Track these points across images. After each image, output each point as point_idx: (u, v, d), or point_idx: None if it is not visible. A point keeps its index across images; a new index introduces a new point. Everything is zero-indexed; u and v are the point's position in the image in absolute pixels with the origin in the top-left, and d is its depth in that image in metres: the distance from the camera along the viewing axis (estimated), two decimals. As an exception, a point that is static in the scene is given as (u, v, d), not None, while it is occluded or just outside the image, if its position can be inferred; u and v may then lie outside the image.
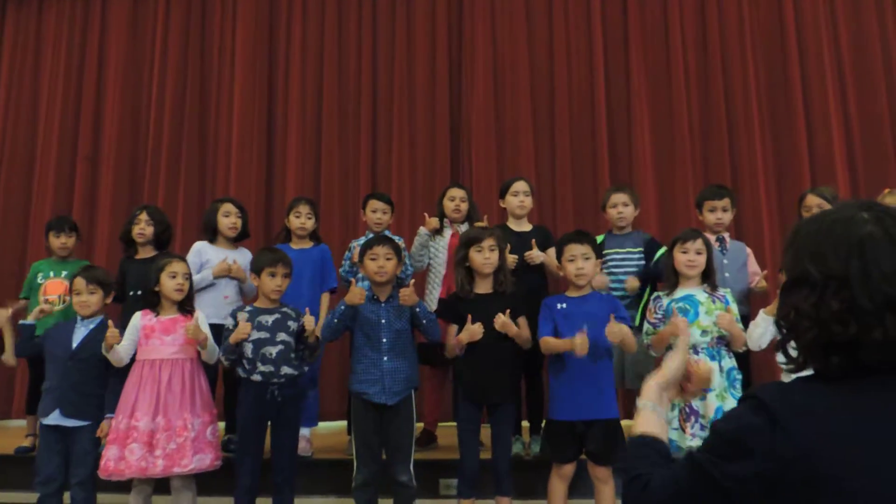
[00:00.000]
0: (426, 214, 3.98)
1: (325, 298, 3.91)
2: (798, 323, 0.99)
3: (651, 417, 1.20)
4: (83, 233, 4.57)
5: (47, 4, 6.19)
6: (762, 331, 2.94)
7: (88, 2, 6.11)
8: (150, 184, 5.69)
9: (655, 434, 1.16)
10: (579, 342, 2.81)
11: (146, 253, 3.90)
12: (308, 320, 3.18)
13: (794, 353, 1.03)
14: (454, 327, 3.16)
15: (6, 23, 6.23)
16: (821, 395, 0.95)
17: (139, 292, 3.69)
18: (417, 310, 3.14)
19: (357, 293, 3.07)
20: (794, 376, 1.02)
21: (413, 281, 3.58)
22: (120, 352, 3.16)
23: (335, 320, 3.12)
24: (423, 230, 3.95)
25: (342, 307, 3.12)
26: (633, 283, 3.58)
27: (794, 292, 1.00)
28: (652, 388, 1.25)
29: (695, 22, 5.35)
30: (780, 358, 1.10)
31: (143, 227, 3.89)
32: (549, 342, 3.00)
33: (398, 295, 3.14)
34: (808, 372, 1.01)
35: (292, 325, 3.22)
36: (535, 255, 3.60)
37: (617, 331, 2.84)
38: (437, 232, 3.93)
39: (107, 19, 6.06)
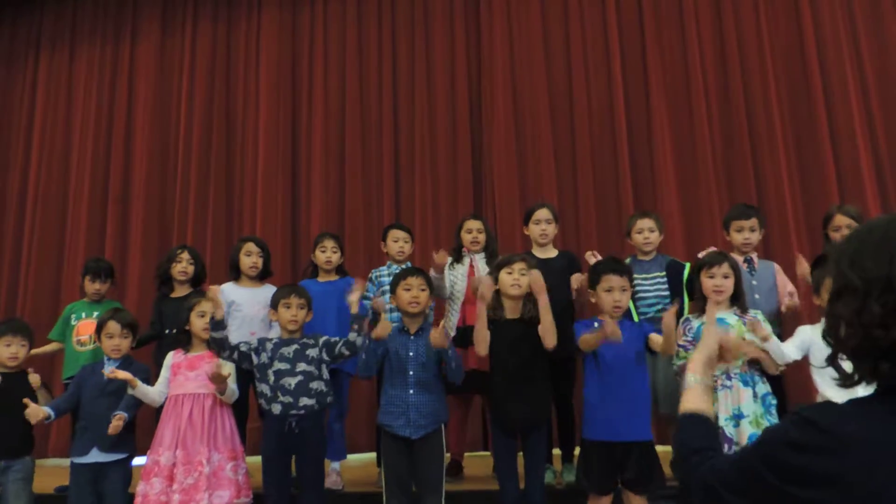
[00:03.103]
0: (434, 254, 3.80)
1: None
2: (842, 332, 0.96)
3: (699, 392, 1.29)
4: (115, 271, 4.63)
5: (78, 51, 6.41)
6: (793, 345, 2.89)
7: (118, 47, 6.31)
8: (179, 223, 5.80)
9: (705, 411, 1.24)
10: (610, 329, 2.68)
11: (182, 291, 3.97)
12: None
13: (846, 368, 0.99)
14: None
15: (40, 69, 6.47)
16: (871, 417, 0.91)
17: (175, 330, 3.75)
18: (450, 352, 3.04)
19: (385, 327, 3.04)
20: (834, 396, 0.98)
21: (442, 322, 3.56)
22: (152, 393, 3.21)
23: (363, 355, 3.11)
24: (433, 273, 3.79)
25: (368, 342, 3.11)
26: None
27: (838, 302, 0.98)
28: (697, 362, 1.34)
29: (713, 40, 5.30)
30: (823, 378, 1.07)
31: (185, 266, 3.98)
32: (586, 338, 2.86)
33: (428, 328, 3.12)
34: (862, 392, 0.97)
35: (312, 353, 3.21)
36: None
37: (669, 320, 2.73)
38: (457, 260, 3.93)
39: (135, 63, 6.26)
